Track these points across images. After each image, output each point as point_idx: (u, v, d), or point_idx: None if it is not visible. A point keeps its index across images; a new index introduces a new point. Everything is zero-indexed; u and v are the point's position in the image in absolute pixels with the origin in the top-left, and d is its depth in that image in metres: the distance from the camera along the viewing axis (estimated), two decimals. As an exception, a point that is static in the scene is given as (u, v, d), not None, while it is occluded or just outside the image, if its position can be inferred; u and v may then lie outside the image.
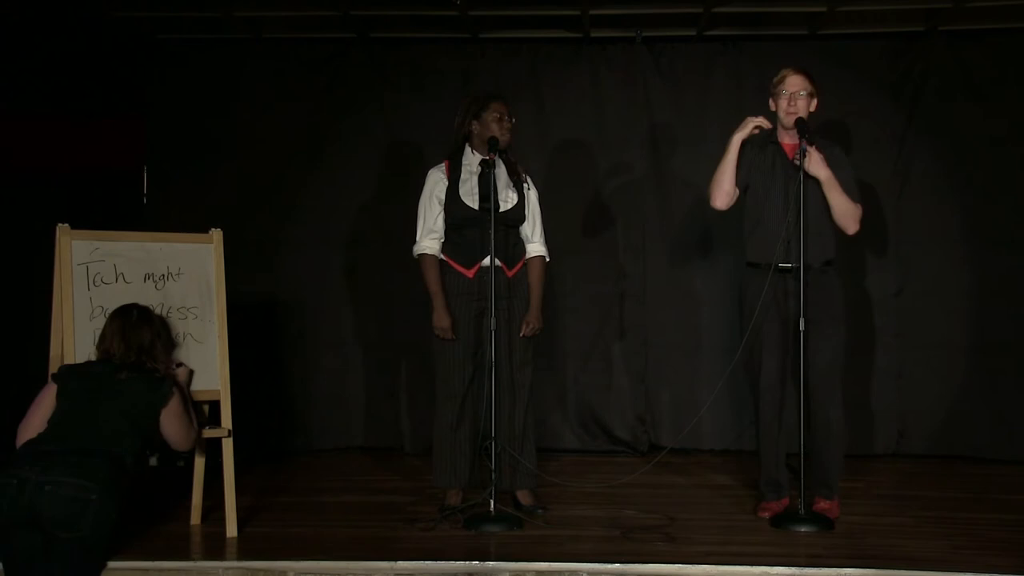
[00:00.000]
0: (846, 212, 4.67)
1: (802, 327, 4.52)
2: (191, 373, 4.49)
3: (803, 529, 4.49)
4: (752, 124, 4.70)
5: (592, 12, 6.05)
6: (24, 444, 4.00)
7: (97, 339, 4.30)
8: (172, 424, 4.20)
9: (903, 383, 6.29)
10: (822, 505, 4.67)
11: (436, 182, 4.81)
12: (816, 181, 4.62)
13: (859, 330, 6.14)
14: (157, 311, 4.45)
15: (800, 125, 4.60)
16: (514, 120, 4.83)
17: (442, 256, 4.84)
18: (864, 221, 4.77)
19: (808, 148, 4.57)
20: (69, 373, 4.17)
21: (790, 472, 4.78)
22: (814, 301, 4.58)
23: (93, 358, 4.26)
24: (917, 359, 6.26)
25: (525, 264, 4.87)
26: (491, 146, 4.69)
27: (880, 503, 5.09)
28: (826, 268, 4.71)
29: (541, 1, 6.05)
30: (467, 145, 4.84)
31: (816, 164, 4.60)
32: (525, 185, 4.86)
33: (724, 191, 4.76)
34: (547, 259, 4.91)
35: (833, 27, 6.26)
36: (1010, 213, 6.19)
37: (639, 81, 6.48)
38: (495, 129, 4.75)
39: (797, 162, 4.59)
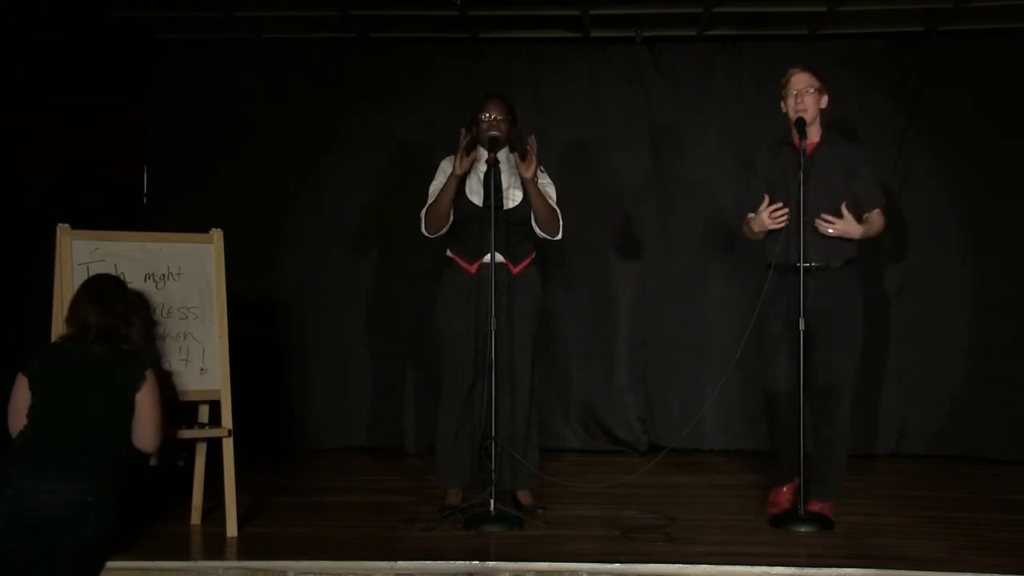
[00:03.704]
0: (876, 234, 4.73)
1: (801, 327, 4.51)
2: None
3: (803, 529, 4.48)
4: (770, 224, 4.64)
5: (592, 12, 6.05)
6: (14, 441, 3.89)
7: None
8: (142, 415, 3.98)
9: (903, 383, 6.29)
10: (816, 507, 4.63)
11: (446, 173, 4.82)
12: (826, 181, 4.61)
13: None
14: (157, 311, 4.45)
15: (799, 125, 4.60)
16: (508, 119, 4.81)
17: (448, 253, 4.86)
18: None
19: (831, 223, 4.56)
20: (36, 361, 3.97)
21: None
22: (831, 300, 4.58)
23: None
24: (917, 359, 6.26)
25: (532, 262, 4.88)
26: (491, 145, 4.72)
27: (880, 503, 5.09)
28: (845, 267, 4.70)
29: (541, 1, 6.06)
30: (479, 144, 4.87)
31: (846, 229, 4.59)
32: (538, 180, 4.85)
33: (756, 239, 4.81)
34: (559, 215, 4.83)
35: (833, 27, 6.26)
36: (1010, 213, 6.19)
37: (639, 81, 6.48)
38: (482, 129, 4.79)
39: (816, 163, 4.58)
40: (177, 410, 4.45)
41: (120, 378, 3.98)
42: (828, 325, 4.58)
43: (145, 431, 4.02)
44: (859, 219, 4.67)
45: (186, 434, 4.50)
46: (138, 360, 4.02)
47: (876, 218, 4.71)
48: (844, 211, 4.59)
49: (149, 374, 4.03)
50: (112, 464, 3.90)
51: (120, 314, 4.01)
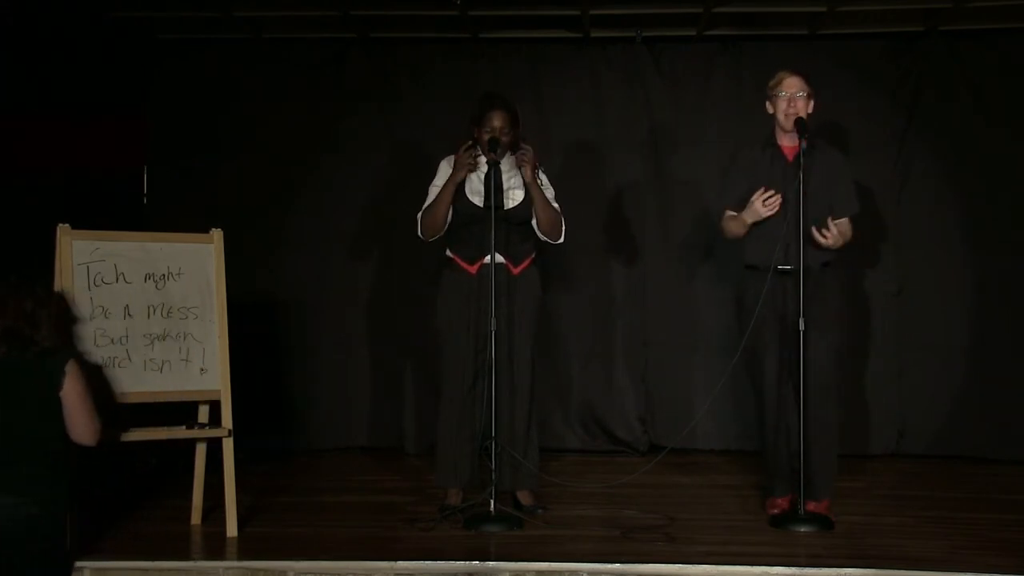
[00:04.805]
0: (844, 244, 4.69)
1: (801, 327, 4.51)
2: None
3: (803, 529, 4.49)
4: (764, 212, 4.60)
5: (592, 12, 6.05)
6: None
7: (96, 339, 4.25)
8: (72, 410, 3.79)
9: (903, 383, 6.29)
10: (810, 507, 4.61)
11: (443, 174, 4.82)
12: (814, 184, 4.60)
13: (859, 330, 6.15)
14: (157, 311, 4.45)
15: (799, 124, 4.60)
16: (512, 129, 4.78)
17: (448, 253, 4.86)
18: (864, 221, 4.78)
19: (828, 236, 4.53)
20: None
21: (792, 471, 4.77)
22: (812, 302, 4.58)
23: None
24: (917, 359, 6.26)
25: (532, 263, 4.89)
26: (491, 146, 4.72)
27: (880, 503, 5.09)
28: (824, 269, 4.71)
29: (541, 1, 6.06)
30: (477, 146, 4.86)
31: (837, 243, 4.58)
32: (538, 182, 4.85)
33: (737, 236, 4.78)
34: (562, 220, 4.83)
35: (833, 27, 6.26)
36: (1010, 213, 6.19)
37: (639, 81, 6.49)
38: (484, 140, 4.77)
39: (801, 165, 4.57)
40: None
41: (41, 379, 3.76)
42: (810, 326, 4.57)
43: (78, 425, 3.82)
44: (826, 225, 4.66)
45: (186, 434, 4.51)
46: (56, 358, 3.81)
47: (845, 228, 4.69)
48: (831, 224, 4.56)
49: (69, 367, 3.79)
50: (53, 470, 3.73)
51: (24, 314, 3.76)
